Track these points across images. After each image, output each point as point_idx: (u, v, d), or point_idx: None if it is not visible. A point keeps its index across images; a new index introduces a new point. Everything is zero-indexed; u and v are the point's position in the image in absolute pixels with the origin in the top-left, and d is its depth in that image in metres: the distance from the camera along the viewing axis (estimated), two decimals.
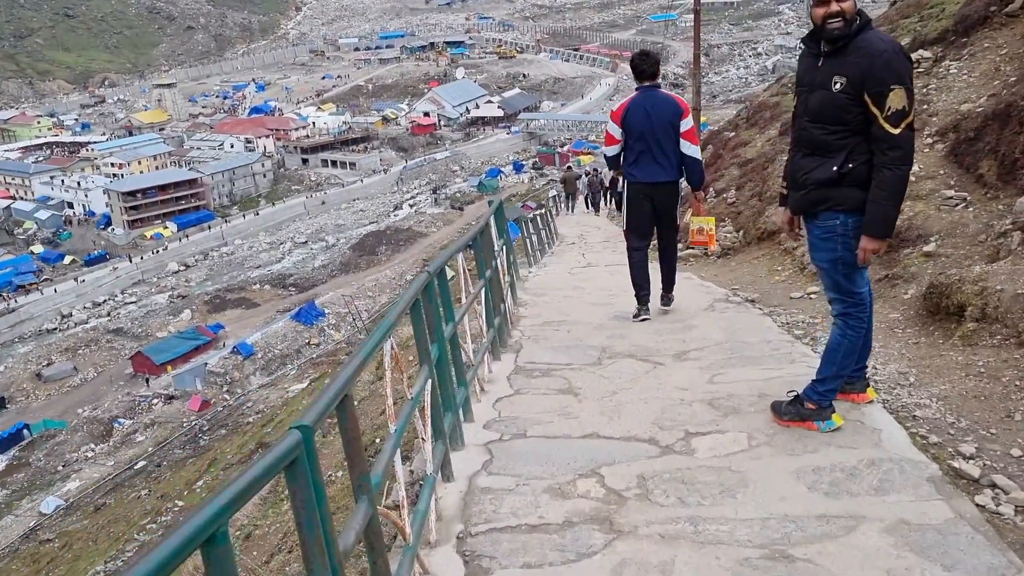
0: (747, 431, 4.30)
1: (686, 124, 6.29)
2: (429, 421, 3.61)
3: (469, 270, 5.45)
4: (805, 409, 4.18)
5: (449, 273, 5.09)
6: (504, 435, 4.57)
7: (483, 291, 5.74)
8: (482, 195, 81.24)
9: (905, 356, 5.18)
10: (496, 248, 6.49)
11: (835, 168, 3.84)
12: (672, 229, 6.80)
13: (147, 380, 49.88)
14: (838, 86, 3.77)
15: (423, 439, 3.55)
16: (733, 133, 18.63)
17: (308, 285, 65.26)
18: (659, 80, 6.58)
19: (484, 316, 5.78)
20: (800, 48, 4.16)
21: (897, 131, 3.67)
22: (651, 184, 6.41)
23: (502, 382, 5.52)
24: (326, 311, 56.86)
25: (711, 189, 13.58)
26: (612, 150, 6.65)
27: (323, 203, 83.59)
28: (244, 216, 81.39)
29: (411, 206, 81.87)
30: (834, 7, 3.74)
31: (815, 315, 6.62)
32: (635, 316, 6.78)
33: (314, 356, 47.08)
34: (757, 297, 7.69)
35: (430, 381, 3.66)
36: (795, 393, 4.29)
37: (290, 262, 71.02)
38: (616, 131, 6.48)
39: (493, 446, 4.43)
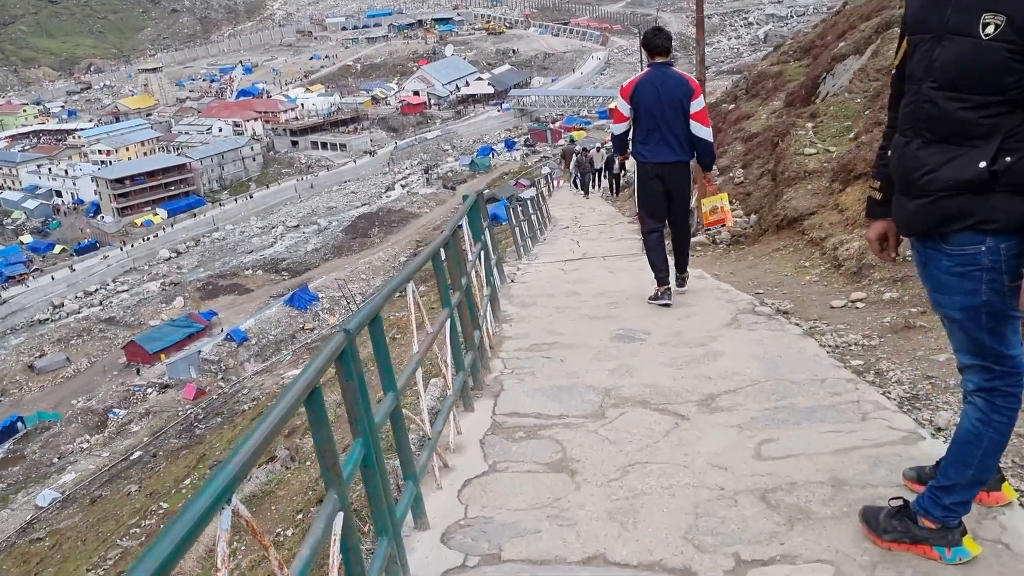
0: (830, 556, 2.87)
1: (697, 105, 6.14)
2: None
3: (425, 297, 4.96)
4: (920, 528, 2.78)
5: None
6: (469, 558, 3.16)
7: (449, 324, 4.41)
8: (475, 173, 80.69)
9: None
10: (472, 256, 5.53)
11: (983, 164, 2.45)
12: (684, 210, 6.74)
13: (138, 370, 49.53)
14: (991, 29, 2.37)
15: None
16: (732, 105, 18.13)
17: (301, 269, 64.81)
18: (671, 57, 6.41)
19: (450, 356, 4.34)
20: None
21: None
22: (661, 164, 6.28)
23: (473, 450, 4.14)
24: (320, 295, 56.44)
25: (714, 167, 12.94)
26: (620, 128, 6.46)
27: (311, 186, 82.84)
28: (236, 200, 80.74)
29: (403, 187, 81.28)
30: None
31: (869, 333, 5.29)
32: (653, 298, 6.67)
33: (309, 341, 46.71)
34: (790, 307, 6.22)
35: (341, 516, 2.32)
36: (901, 502, 2.87)
37: (282, 246, 70.50)
38: (625, 108, 6.30)
39: None
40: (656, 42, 6.25)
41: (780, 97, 15.10)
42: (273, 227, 75.37)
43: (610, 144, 8.00)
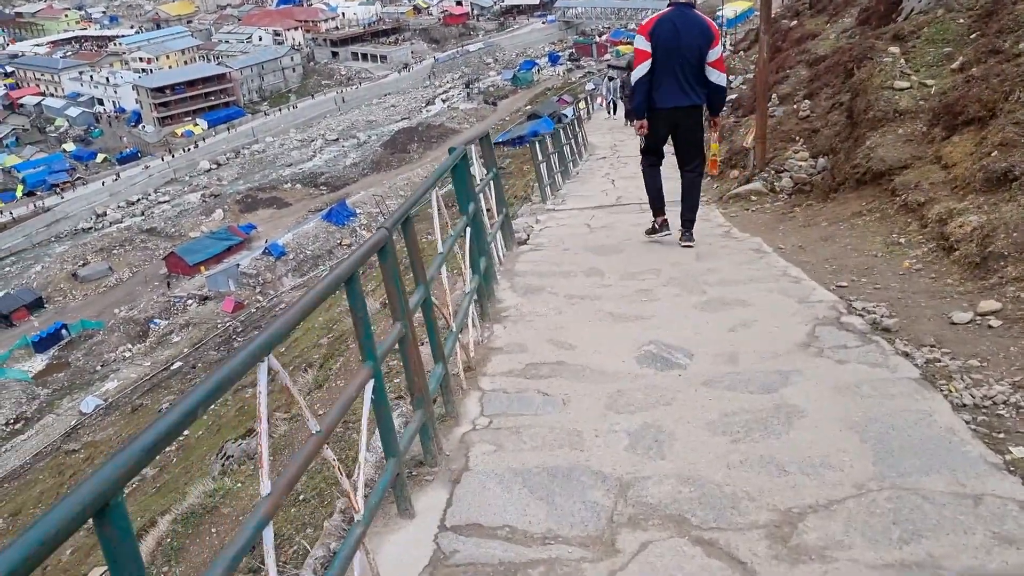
0: None
1: (715, 53, 6.04)
2: None
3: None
4: None
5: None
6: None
7: (371, 388, 2.79)
8: (516, 89, 78.61)
9: None
10: (445, 243, 4.23)
11: None
12: (697, 158, 6.51)
13: (168, 283, 49.93)
14: None
15: None
16: (795, 22, 16.48)
17: (339, 184, 64.31)
18: None
19: (379, 435, 3.03)
20: None
21: None
22: (675, 109, 6.19)
23: None
24: (357, 211, 56.02)
25: (773, 95, 11.20)
26: (641, 69, 6.18)
27: (344, 100, 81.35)
28: (280, 111, 79.94)
29: (443, 101, 79.64)
30: None
31: None
32: (650, 232, 6.81)
33: (346, 257, 46.55)
34: (892, 321, 4.29)
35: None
36: None
37: (321, 160, 69.88)
38: (645, 45, 6.13)
39: None
40: None
41: (851, 13, 13.49)
42: (312, 140, 74.63)
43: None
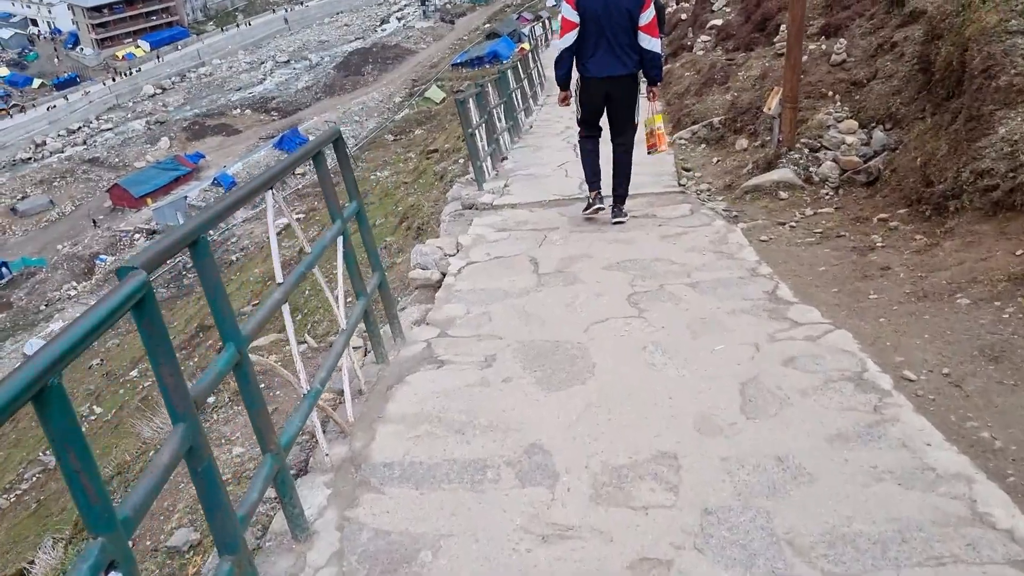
0: None
1: (646, 16, 5.75)
2: None
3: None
4: None
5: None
6: None
7: None
8: (475, 6, 75.60)
9: None
10: (293, 275, 2.88)
11: None
12: (629, 128, 6.15)
13: (94, 220, 47.88)
14: None
15: None
16: None
17: (291, 109, 61.80)
18: None
19: None
20: None
21: None
22: (608, 78, 5.90)
23: None
24: (310, 138, 53.87)
25: (782, 27, 9.01)
26: (568, 39, 5.87)
27: (286, 21, 77.45)
28: (224, 30, 76.11)
29: (399, 19, 76.52)
30: None
31: None
32: (586, 210, 6.31)
33: (299, 187, 44.76)
34: None
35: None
36: None
37: (272, 83, 66.98)
38: (572, 14, 5.82)
39: None
40: None
41: None
42: (262, 62, 71.41)
43: None
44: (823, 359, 3.47)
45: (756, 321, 3.95)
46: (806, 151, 6.35)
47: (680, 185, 6.92)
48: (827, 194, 5.94)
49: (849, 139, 6.16)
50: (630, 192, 6.19)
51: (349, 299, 3.92)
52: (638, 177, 6.47)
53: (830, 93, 6.71)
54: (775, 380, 3.35)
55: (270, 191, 2.85)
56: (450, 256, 5.70)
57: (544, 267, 5.16)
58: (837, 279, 4.49)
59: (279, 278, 2.76)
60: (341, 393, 3.51)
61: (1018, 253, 3.96)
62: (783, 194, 6.08)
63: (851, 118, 6.35)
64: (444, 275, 5.33)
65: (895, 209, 5.20)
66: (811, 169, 6.20)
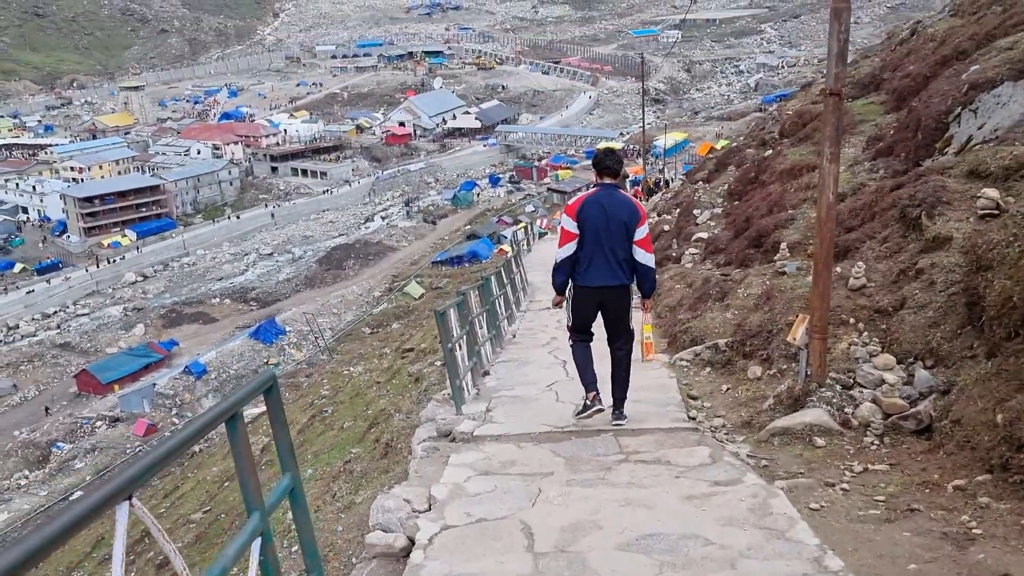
0: None
1: (641, 232, 5.99)
2: None
3: None
4: None
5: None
6: None
7: None
8: (456, 209, 78.73)
9: None
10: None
11: None
12: (626, 334, 6.21)
13: (46, 408, 46.86)
14: None
15: None
16: (769, 151, 14.97)
17: (270, 300, 62.27)
18: (620, 180, 6.29)
19: None
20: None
21: None
22: (602, 288, 6.04)
23: None
24: (287, 328, 53.86)
25: (783, 245, 9.15)
26: (567, 250, 6.04)
27: (272, 216, 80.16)
28: (214, 222, 78.24)
29: (383, 218, 79.24)
30: None
31: None
32: (583, 413, 6.14)
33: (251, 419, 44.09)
34: None
35: None
36: None
37: (253, 275, 67.95)
38: (572, 226, 6.02)
39: None
40: (606, 163, 6.13)
41: (853, 143, 11.59)
42: (246, 254, 72.86)
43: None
44: None
45: None
46: (838, 388, 5.63)
47: (690, 419, 6.15)
48: (872, 443, 5.07)
49: (888, 376, 5.49)
50: (636, 428, 5.90)
51: None
52: (640, 405, 6.15)
53: (851, 320, 6.32)
54: None
55: (127, 502, 1.70)
56: (420, 513, 4.55)
57: (541, 542, 4.08)
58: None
59: None
60: None
61: None
62: (819, 440, 5.22)
63: (884, 351, 5.80)
64: (411, 541, 4.25)
65: (971, 474, 4.29)
66: (847, 410, 5.40)
